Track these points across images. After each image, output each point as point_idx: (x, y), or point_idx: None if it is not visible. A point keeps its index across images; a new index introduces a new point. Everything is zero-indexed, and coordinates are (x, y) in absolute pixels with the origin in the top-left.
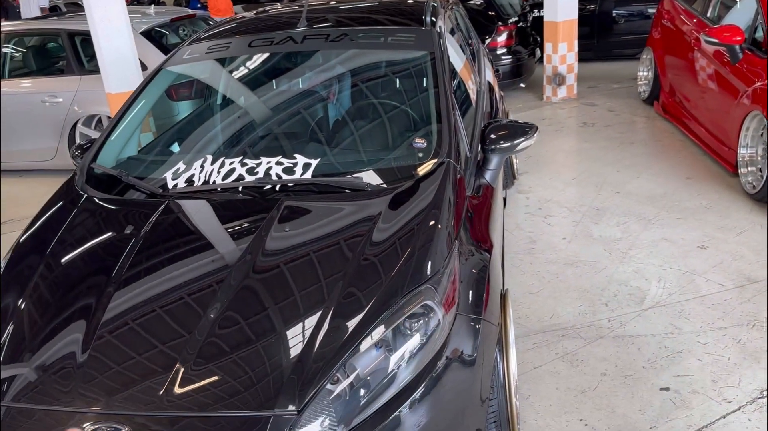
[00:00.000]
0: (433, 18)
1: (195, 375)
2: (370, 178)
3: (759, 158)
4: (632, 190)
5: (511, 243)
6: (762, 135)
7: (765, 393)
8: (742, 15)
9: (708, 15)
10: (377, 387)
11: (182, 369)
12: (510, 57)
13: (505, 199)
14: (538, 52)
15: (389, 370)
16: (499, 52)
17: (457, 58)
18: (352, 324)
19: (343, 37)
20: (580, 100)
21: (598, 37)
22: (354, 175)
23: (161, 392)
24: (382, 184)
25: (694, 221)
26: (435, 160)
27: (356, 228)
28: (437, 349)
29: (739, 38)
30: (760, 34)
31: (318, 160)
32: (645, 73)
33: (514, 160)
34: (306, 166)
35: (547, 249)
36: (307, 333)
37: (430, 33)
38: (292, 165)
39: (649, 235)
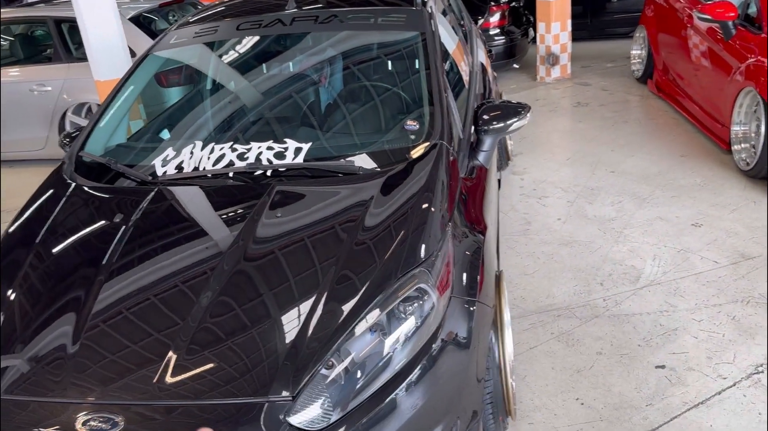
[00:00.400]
0: None
1: (188, 362)
2: (362, 161)
3: (752, 135)
4: (627, 169)
5: (506, 225)
6: (755, 111)
7: (761, 368)
8: None
9: None
10: (373, 370)
11: (175, 357)
12: (503, 37)
13: (499, 181)
14: (531, 32)
15: (384, 354)
16: (492, 32)
17: (448, 38)
18: (346, 308)
19: (332, 18)
20: (574, 79)
21: (592, 16)
22: (346, 159)
23: (154, 380)
24: (374, 167)
25: (689, 199)
26: (427, 143)
27: (349, 212)
28: (432, 332)
29: (732, 14)
30: (753, 10)
31: (309, 144)
32: (638, 52)
33: (509, 142)
34: (297, 151)
35: (542, 230)
36: (301, 319)
37: (420, 13)
38: (283, 150)
39: (644, 214)
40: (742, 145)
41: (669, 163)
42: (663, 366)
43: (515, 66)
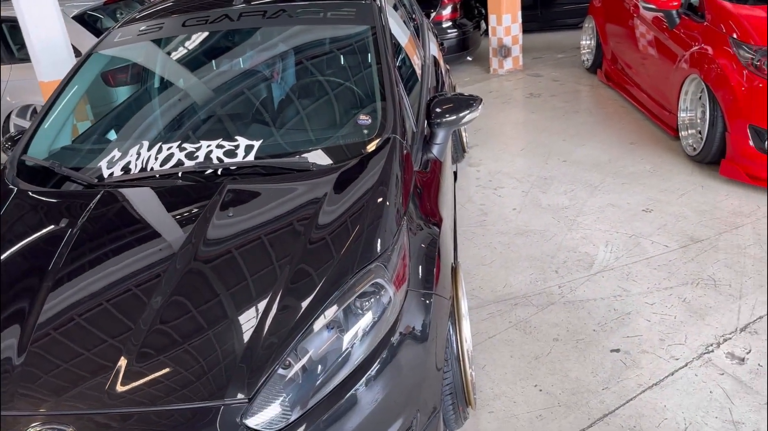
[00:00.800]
0: None
1: (140, 367)
2: (314, 157)
3: (698, 121)
4: (578, 158)
5: (463, 217)
6: (700, 98)
7: (710, 348)
8: None
9: None
10: (331, 367)
11: (126, 362)
12: (455, 30)
13: (456, 173)
14: (483, 25)
15: (342, 350)
16: (444, 25)
17: (400, 32)
18: (301, 306)
19: (280, 13)
20: (526, 71)
21: (542, 8)
22: (298, 156)
23: (106, 387)
24: (327, 163)
25: (639, 185)
26: (380, 137)
27: (303, 209)
28: (390, 326)
29: (675, 3)
30: None
31: (260, 141)
32: (587, 42)
33: (464, 134)
34: (248, 148)
35: (499, 221)
36: (255, 320)
37: (370, 7)
38: (233, 147)
39: (596, 201)
40: (689, 131)
41: (619, 150)
42: (618, 350)
43: (469, 58)
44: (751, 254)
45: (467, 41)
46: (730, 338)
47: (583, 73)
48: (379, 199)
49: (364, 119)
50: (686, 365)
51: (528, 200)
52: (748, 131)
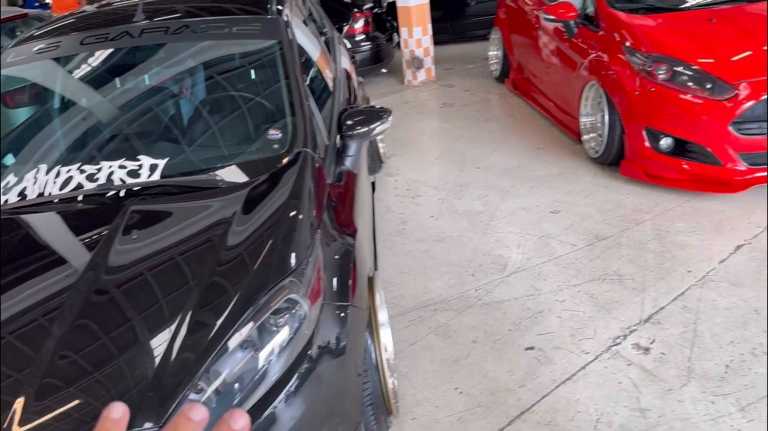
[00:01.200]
0: (279, 6)
1: (40, 404)
2: (223, 174)
3: (599, 125)
4: (490, 164)
5: (383, 226)
6: (599, 103)
7: (618, 340)
8: None
9: None
10: (248, 386)
11: (25, 400)
12: (369, 43)
13: (374, 184)
14: (396, 37)
15: (259, 368)
16: (358, 38)
17: (309, 46)
18: (212, 328)
19: (183, 29)
20: (439, 81)
21: (452, 20)
22: (207, 173)
23: (5, 425)
24: (237, 179)
25: (547, 188)
26: (291, 151)
27: (212, 228)
28: (306, 341)
29: (572, 14)
30: (591, 9)
31: (166, 160)
32: (495, 52)
33: (381, 145)
34: (153, 168)
35: (417, 228)
36: (163, 346)
37: (276, 21)
38: (137, 167)
39: (508, 205)
40: (591, 135)
41: (528, 156)
42: (532, 348)
43: (383, 70)
44: (651, 249)
45: (381, 53)
46: (636, 329)
47: (493, 82)
48: (292, 213)
49: (273, 134)
50: (596, 358)
51: (444, 207)
52: (644, 133)
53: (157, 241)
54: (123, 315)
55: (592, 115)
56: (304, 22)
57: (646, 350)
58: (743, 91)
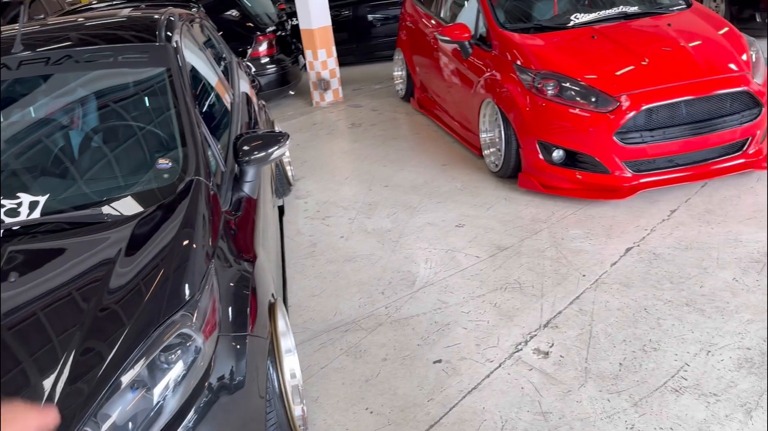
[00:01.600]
0: (168, 33)
1: None
2: (112, 207)
3: (497, 140)
4: (398, 182)
5: (292, 250)
6: (496, 119)
7: (519, 347)
8: (469, 14)
9: (442, 16)
10: (142, 425)
11: None
12: (274, 66)
13: (282, 207)
14: (302, 60)
15: (152, 406)
16: (262, 61)
17: (205, 71)
18: (98, 371)
19: (65, 59)
20: (347, 102)
21: (357, 42)
22: (93, 207)
23: None
24: (126, 212)
25: (452, 203)
26: (183, 180)
27: (98, 266)
28: (202, 375)
29: (467, 35)
30: (483, 30)
31: (47, 196)
32: (399, 73)
33: (288, 168)
34: (33, 204)
35: (327, 250)
36: (47, 391)
37: (165, 49)
38: (15, 206)
39: (416, 221)
40: (491, 150)
41: (433, 172)
42: (440, 361)
43: (291, 93)
44: (549, 256)
45: (287, 76)
46: (536, 335)
47: (399, 102)
48: (185, 243)
49: (163, 163)
50: (500, 366)
51: (354, 226)
52: (537, 146)
53: (38, 284)
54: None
55: (491, 131)
56: (198, 46)
57: (546, 354)
58: (625, 102)
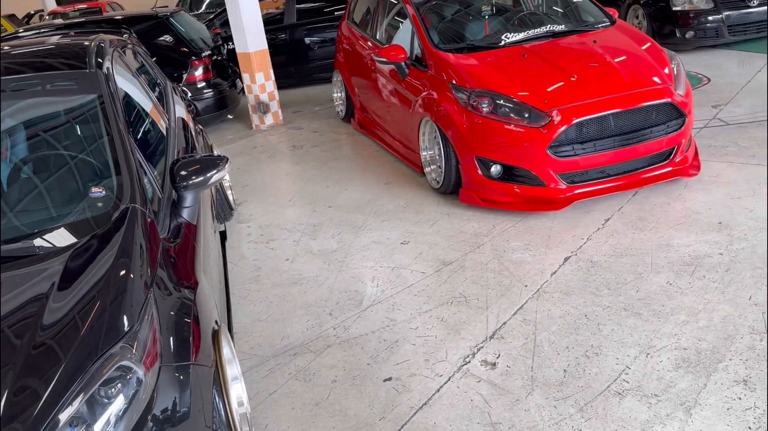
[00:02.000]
0: (99, 59)
1: None
2: (44, 239)
3: (437, 157)
4: (342, 202)
5: (237, 275)
6: (435, 137)
7: (467, 359)
8: (404, 35)
9: (377, 38)
10: None
11: None
12: (211, 90)
13: (224, 233)
14: (239, 83)
15: None
16: (199, 86)
17: (138, 97)
18: (32, 412)
19: None
20: (287, 125)
21: (295, 64)
22: (25, 241)
23: None
24: (59, 243)
25: (396, 221)
26: (118, 208)
27: (30, 302)
28: (144, 409)
29: (402, 56)
30: (419, 51)
31: None
32: (338, 94)
33: (229, 192)
34: None
35: (273, 273)
36: None
37: (95, 75)
38: None
39: (361, 241)
40: (432, 167)
41: (377, 191)
42: (390, 378)
43: (230, 116)
44: (491, 268)
45: (225, 100)
46: (483, 347)
47: (340, 122)
48: (122, 273)
49: (97, 191)
50: (449, 379)
51: (299, 248)
52: (476, 162)
53: None
54: None
55: (431, 149)
56: (130, 72)
57: (493, 365)
58: (556, 117)
